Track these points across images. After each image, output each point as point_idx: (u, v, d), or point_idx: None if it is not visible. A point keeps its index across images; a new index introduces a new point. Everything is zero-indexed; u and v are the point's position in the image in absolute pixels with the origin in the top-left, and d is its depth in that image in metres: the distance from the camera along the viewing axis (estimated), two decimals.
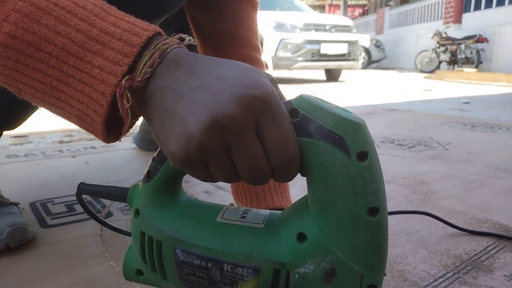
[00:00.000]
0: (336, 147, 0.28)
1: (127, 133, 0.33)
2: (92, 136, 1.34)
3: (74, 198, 0.78)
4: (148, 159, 1.08)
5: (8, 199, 0.61)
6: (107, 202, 0.76)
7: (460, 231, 0.65)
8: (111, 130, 0.32)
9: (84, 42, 0.29)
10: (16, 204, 0.61)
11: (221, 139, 0.27)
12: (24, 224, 0.56)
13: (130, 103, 0.29)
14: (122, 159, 1.07)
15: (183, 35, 0.32)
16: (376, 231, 0.29)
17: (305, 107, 0.29)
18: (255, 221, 0.33)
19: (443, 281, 0.50)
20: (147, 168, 0.35)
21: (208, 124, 0.27)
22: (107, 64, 0.29)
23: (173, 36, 0.31)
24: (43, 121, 1.61)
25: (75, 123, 0.33)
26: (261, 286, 0.32)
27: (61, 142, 1.27)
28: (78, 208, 0.73)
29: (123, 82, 0.29)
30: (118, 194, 0.39)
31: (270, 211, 0.35)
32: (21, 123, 0.68)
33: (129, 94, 0.28)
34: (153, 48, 0.29)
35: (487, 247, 0.59)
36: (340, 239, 0.29)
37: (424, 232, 0.64)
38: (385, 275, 0.31)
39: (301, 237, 0.31)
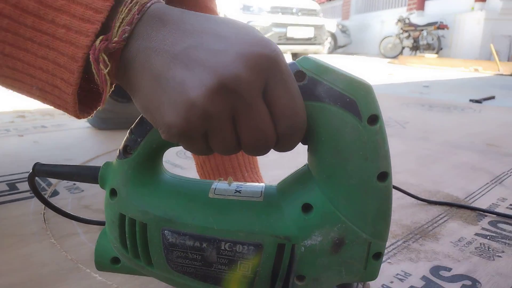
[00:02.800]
0: (347, 111, 0.27)
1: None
2: (45, 115, 1.27)
3: (17, 177, 0.73)
4: (102, 138, 1.03)
5: None
6: (53, 180, 0.71)
7: (412, 202, 0.66)
8: (81, 103, 0.28)
9: None
10: None
11: (228, 105, 0.24)
12: None
13: (108, 68, 0.25)
14: (73, 138, 1.02)
15: None
16: (385, 197, 0.28)
17: (312, 69, 0.27)
18: (252, 195, 0.31)
19: (393, 249, 0.51)
20: (123, 143, 0.32)
21: (213, 88, 0.24)
22: (75, 22, 0.25)
23: None
24: None
25: (37, 97, 0.28)
26: (263, 263, 0.30)
27: (12, 122, 1.19)
28: (21, 186, 0.69)
29: (97, 43, 0.24)
30: (86, 173, 0.34)
31: (264, 184, 0.33)
32: None
33: (106, 58, 0.25)
34: (130, 3, 0.25)
35: (436, 217, 0.61)
36: (349, 207, 0.28)
37: None
38: None
39: (307, 208, 0.29)
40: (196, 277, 0.31)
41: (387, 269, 0.46)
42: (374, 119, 0.27)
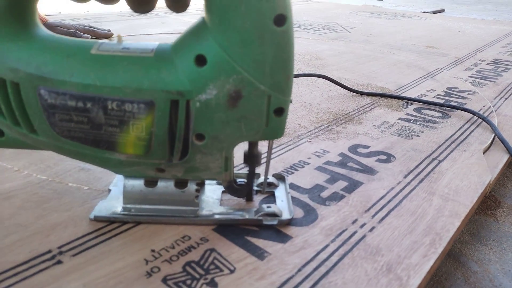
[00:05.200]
0: None
1: None
2: None
3: None
4: None
5: None
6: None
7: (343, 94, 0.66)
8: None
9: None
10: None
11: None
12: None
13: None
14: None
15: None
16: (283, 44, 0.27)
17: None
18: (142, 52, 0.28)
19: (316, 132, 0.51)
20: None
21: None
22: None
23: None
24: None
25: None
26: (158, 123, 0.28)
27: None
28: None
29: None
30: None
31: (159, 43, 0.30)
32: None
33: None
34: None
35: (364, 105, 0.61)
36: (244, 56, 0.26)
37: (309, 96, 0.65)
38: (291, 101, 0.29)
39: (200, 59, 0.27)
40: (87, 142, 0.29)
41: (307, 148, 0.47)
42: None
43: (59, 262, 0.28)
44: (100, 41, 0.29)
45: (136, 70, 0.27)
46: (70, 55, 0.28)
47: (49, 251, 0.29)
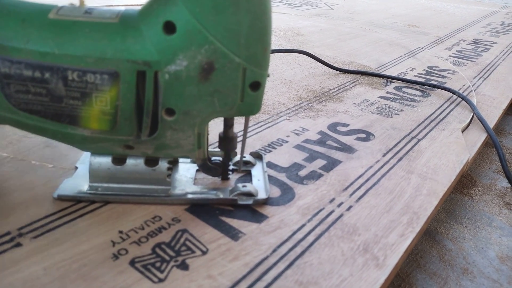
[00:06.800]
0: None
1: None
2: None
3: None
4: None
5: None
6: None
7: (325, 71, 0.64)
8: None
9: None
10: None
11: None
12: None
13: None
14: None
15: None
16: (260, 12, 0.25)
17: None
18: (106, 17, 0.26)
19: (295, 109, 0.49)
20: None
21: None
22: None
23: None
24: None
25: None
26: (123, 96, 0.26)
27: None
28: None
29: None
30: None
31: (126, 8, 0.27)
32: None
33: None
34: None
35: (345, 83, 0.60)
36: (217, 24, 0.24)
37: (290, 72, 0.63)
38: (268, 76, 0.27)
39: (169, 26, 0.25)
40: (47, 116, 0.27)
41: (285, 126, 0.45)
42: None
43: (18, 244, 0.26)
44: (60, 4, 0.27)
45: (98, 38, 0.25)
46: (25, 19, 0.25)
47: (8, 233, 0.27)
